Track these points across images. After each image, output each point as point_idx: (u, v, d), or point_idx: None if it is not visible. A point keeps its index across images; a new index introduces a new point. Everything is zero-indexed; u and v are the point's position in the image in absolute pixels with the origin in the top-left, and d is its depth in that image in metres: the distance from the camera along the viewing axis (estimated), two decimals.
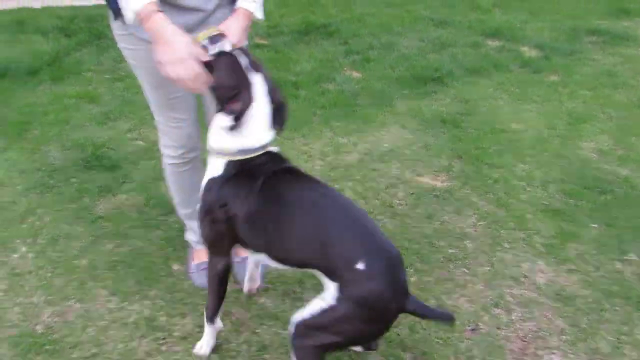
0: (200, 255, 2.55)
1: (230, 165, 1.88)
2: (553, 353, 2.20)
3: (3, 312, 2.32)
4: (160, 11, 1.76)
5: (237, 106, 1.78)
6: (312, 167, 3.27)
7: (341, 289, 1.69)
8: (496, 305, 2.40)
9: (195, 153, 2.36)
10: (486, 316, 2.35)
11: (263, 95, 1.83)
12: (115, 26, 2.04)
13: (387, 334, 2.02)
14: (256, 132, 1.85)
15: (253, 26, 2.06)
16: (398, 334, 2.23)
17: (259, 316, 2.32)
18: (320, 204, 1.80)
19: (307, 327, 1.75)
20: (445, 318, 1.86)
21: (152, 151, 3.41)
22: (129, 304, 2.36)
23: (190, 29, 1.91)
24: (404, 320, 2.28)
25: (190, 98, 2.23)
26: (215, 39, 1.80)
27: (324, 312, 1.72)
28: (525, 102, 4.07)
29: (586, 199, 3.06)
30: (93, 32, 5.22)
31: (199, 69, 1.76)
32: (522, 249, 2.72)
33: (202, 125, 2.30)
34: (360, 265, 1.66)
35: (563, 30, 5.45)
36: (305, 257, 1.79)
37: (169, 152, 2.32)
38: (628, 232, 2.83)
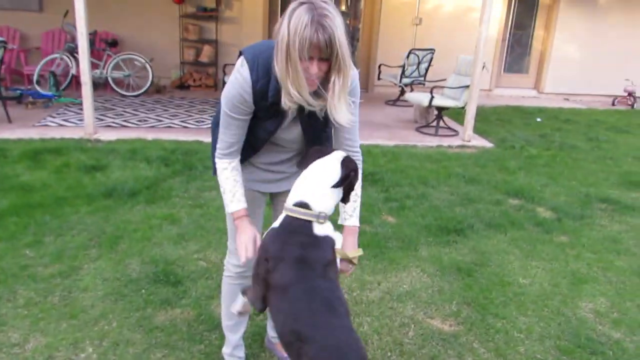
0: None
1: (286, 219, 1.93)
2: None
3: None
4: (246, 216, 2.18)
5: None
6: None
7: None
8: None
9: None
10: None
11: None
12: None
13: None
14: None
15: None
16: None
17: None
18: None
19: None
20: None
21: (211, 271, 3.57)
22: None
23: (270, 181, 2.36)
24: None
25: (258, 230, 2.42)
26: None
27: None
28: (534, 259, 3.99)
29: (577, 357, 2.91)
30: (187, 163, 5.64)
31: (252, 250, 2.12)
32: None
33: None
34: None
35: (577, 196, 5.36)
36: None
37: (232, 268, 2.49)
38: None
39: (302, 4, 1.81)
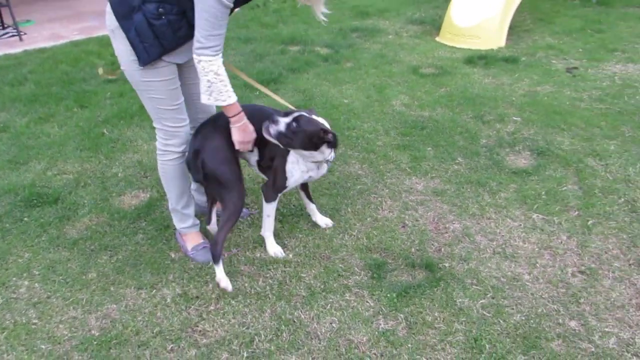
0: (192, 239, 2.62)
1: None
2: (453, 223, 2.80)
3: (51, 332, 2.16)
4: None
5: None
6: None
7: None
8: (406, 209, 2.92)
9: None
10: (406, 216, 2.86)
11: None
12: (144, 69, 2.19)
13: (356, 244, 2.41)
14: None
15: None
16: (363, 241, 2.63)
17: None
18: None
19: None
20: None
21: (82, 180, 3.23)
22: (157, 291, 2.37)
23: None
24: (375, 232, 2.69)
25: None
26: None
27: None
28: (341, 84, 4.63)
29: (415, 134, 3.73)
30: None
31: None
32: (398, 173, 3.27)
33: None
34: None
35: (334, 32, 6.12)
36: None
37: (174, 149, 2.41)
38: (448, 147, 3.55)
39: None
